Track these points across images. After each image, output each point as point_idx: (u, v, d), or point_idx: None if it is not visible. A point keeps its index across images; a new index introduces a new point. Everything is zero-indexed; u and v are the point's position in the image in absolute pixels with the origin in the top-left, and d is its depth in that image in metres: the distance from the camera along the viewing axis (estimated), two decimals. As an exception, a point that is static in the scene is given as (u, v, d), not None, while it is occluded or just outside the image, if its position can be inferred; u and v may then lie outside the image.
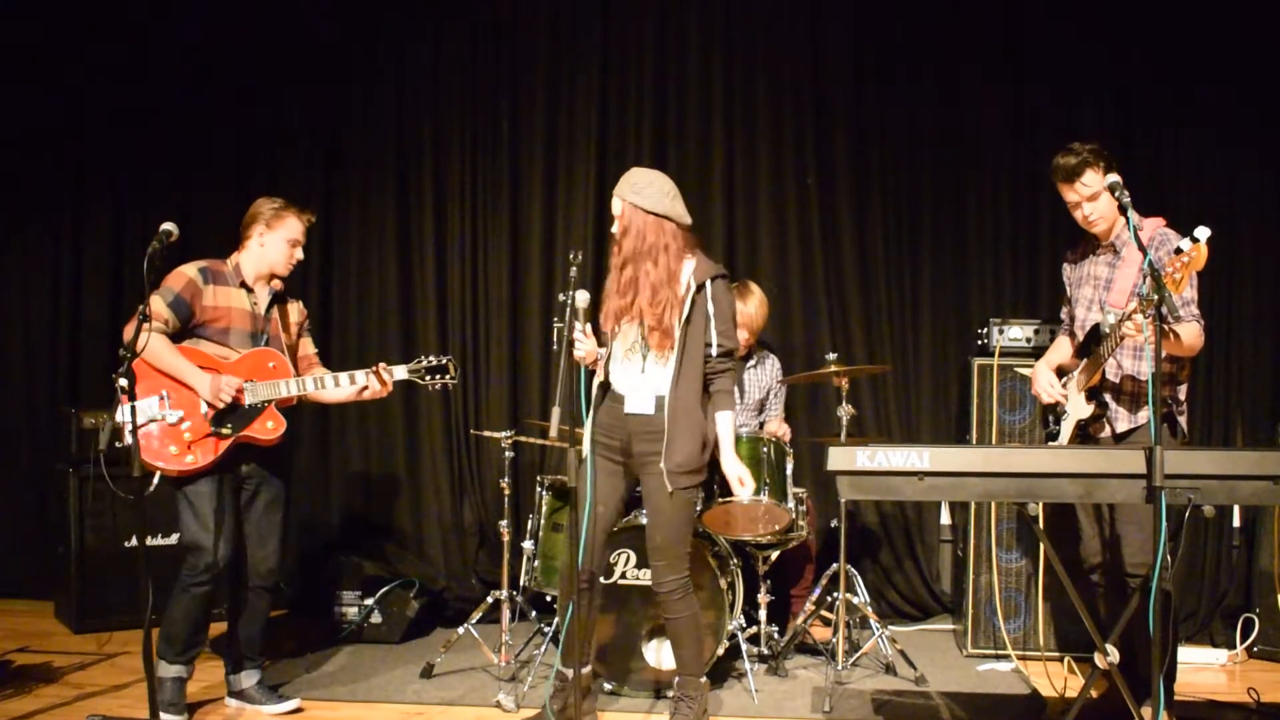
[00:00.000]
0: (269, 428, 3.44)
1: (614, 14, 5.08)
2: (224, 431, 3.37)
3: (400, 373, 3.58)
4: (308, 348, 3.75)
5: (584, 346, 3.18)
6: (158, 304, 3.36)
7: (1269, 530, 4.33)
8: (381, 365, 3.56)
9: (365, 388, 3.53)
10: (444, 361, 3.62)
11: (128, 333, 3.31)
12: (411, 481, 5.17)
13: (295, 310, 3.70)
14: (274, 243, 3.51)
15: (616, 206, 3.24)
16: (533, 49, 5.12)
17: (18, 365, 5.40)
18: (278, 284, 3.59)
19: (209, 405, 3.34)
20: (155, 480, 3.40)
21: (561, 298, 3.11)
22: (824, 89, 5.00)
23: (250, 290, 3.51)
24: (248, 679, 3.57)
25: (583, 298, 3.11)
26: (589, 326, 3.19)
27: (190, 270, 3.43)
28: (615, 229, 3.25)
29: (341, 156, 5.24)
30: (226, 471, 3.41)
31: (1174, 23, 4.72)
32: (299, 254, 3.58)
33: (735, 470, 3.25)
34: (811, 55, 5.00)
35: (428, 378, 3.61)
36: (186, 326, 3.41)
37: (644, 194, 3.19)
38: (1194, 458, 2.63)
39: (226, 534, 3.39)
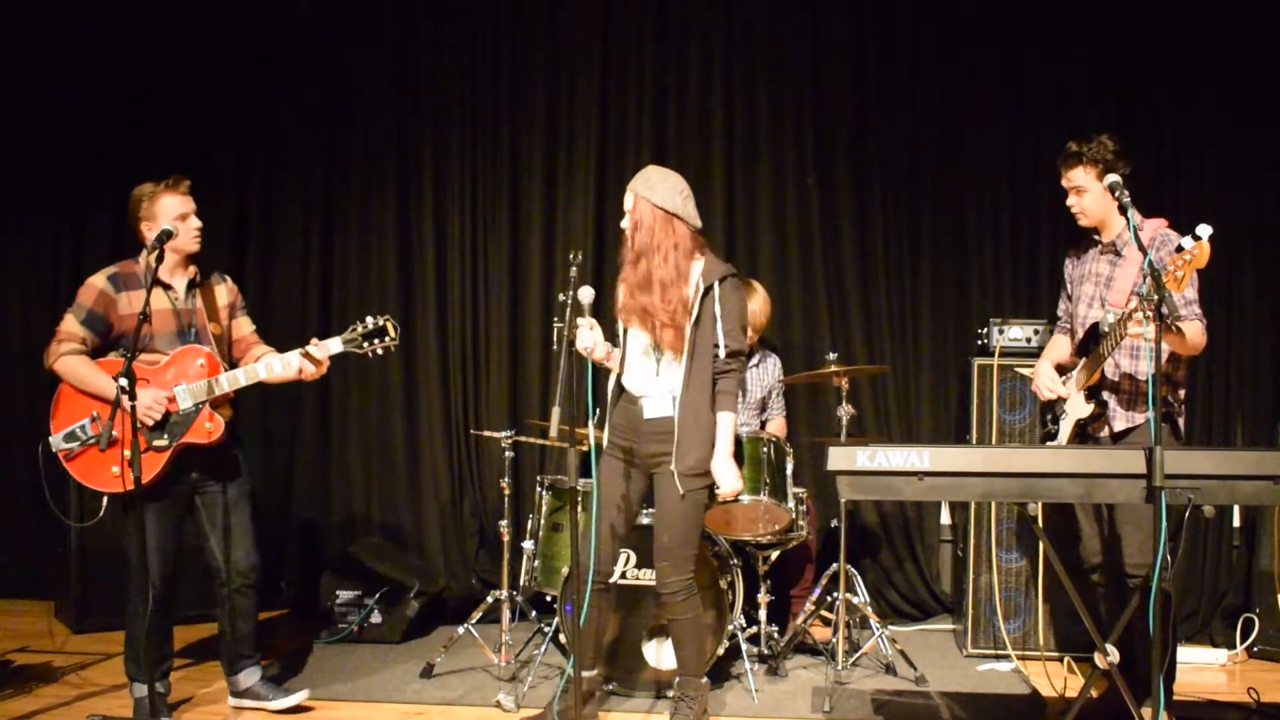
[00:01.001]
0: (207, 429, 3.31)
1: (614, 14, 5.07)
2: (160, 444, 3.26)
3: (335, 345, 3.37)
4: (243, 328, 3.57)
5: (587, 338, 3.16)
6: (70, 324, 3.27)
7: (1269, 530, 4.33)
8: (313, 341, 3.37)
9: (301, 369, 3.37)
10: (381, 323, 3.37)
11: (48, 359, 3.27)
12: (412, 482, 5.16)
13: (223, 291, 3.52)
14: (172, 227, 3.30)
15: (628, 200, 3.24)
16: (533, 49, 5.11)
17: (18, 365, 5.40)
18: (193, 270, 3.42)
19: (140, 424, 3.18)
20: (104, 505, 3.34)
21: (561, 298, 3.11)
22: (824, 89, 4.99)
23: (168, 286, 3.37)
24: (248, 678, 3.53)
25: (587, 293, 3.10)
26: (593, 320, 3.18)
27: (99, 281, 3.31)
28: (625, 223, 3.25)
29: (341, 156, 5.24)
30: (174, 485, 3.33)
31: (1174, 23, 4.72)
32: (194, 223, 3.36)
33: (722, 468, 3.19)
34: (812, 55, 4.99)
35: (365, 345, 3.37)
36: (107, 339, 3.30)
37: (656, 190, 3.19)
38: (1194, 458, 2.63)
39: (168, 552, 3.33)
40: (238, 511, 3.46)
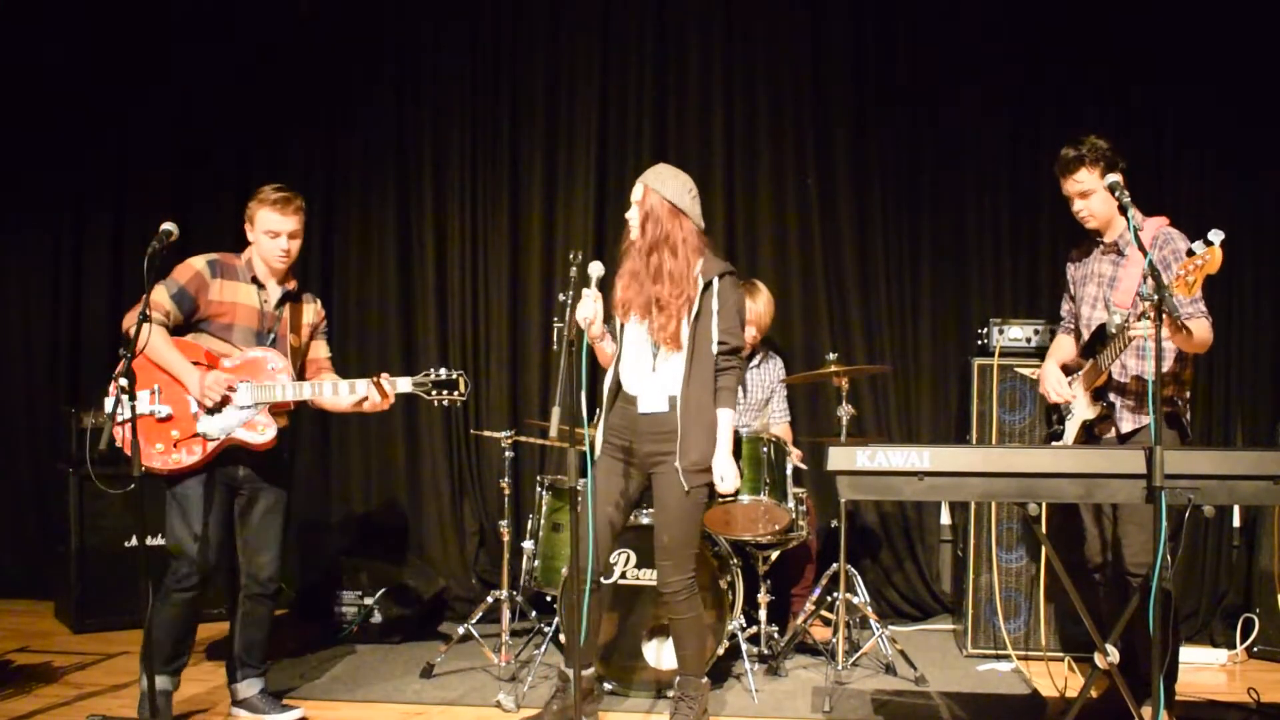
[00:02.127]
0: (259, 431, 3.32)
1: (614, 14, 5.08)
2: (210, 435, 3.25)
3: (404, 385, 3.37)
4: (319, 351, 3.60)
5: (588, 308, 3.08)
6: (160, 294, 3.26)
7: (1269, 530, 4.33)
8: (384, 376, 3.35)
9: (365, 398, 3.36)
10: (454, 376, 3.37)
11: (126, 321, 3.22)
12: (411, 481, 5.17)
13: (310, 311, 3.55)
14: (258, 239, 3.37)
15: (638, 192, 3.23)
16: (532, 49, 5.11)
17: (18, 365, 5.40)
18: (293, 283, 3.47)
19: (198, 404, 3.24)
20: (136, 477, 3.31)
21: (561, 298, 3.10)
22: (824, 88, 4.99)
23: (262, 286, 3.39)
24: (249, 688, 3.47)
25: (596, 268, 3.10)
26: (598, 293, 3.13)
27: (199, 263, 3.33)
28: (633, 215, 3.23)
29: (341, 156, 5.24)
30: (218, 475, 3.31)
31: (1174, 24, 4.72)
32: (284, 244, 3.36)
33: (721, 467, 3.19)
34: (812, 55, 5.00)
35: (434, 392, 3.37)
36: (190, 320, 3.31)
37: (668, 184, 3.21)
38: (1194, 458, 2.63)
39: (213, 539, 3.28)
40: (271, 519, 3.44)
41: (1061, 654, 4.14)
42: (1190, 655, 4.21)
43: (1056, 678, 3.77)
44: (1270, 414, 4.67)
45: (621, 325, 3.31)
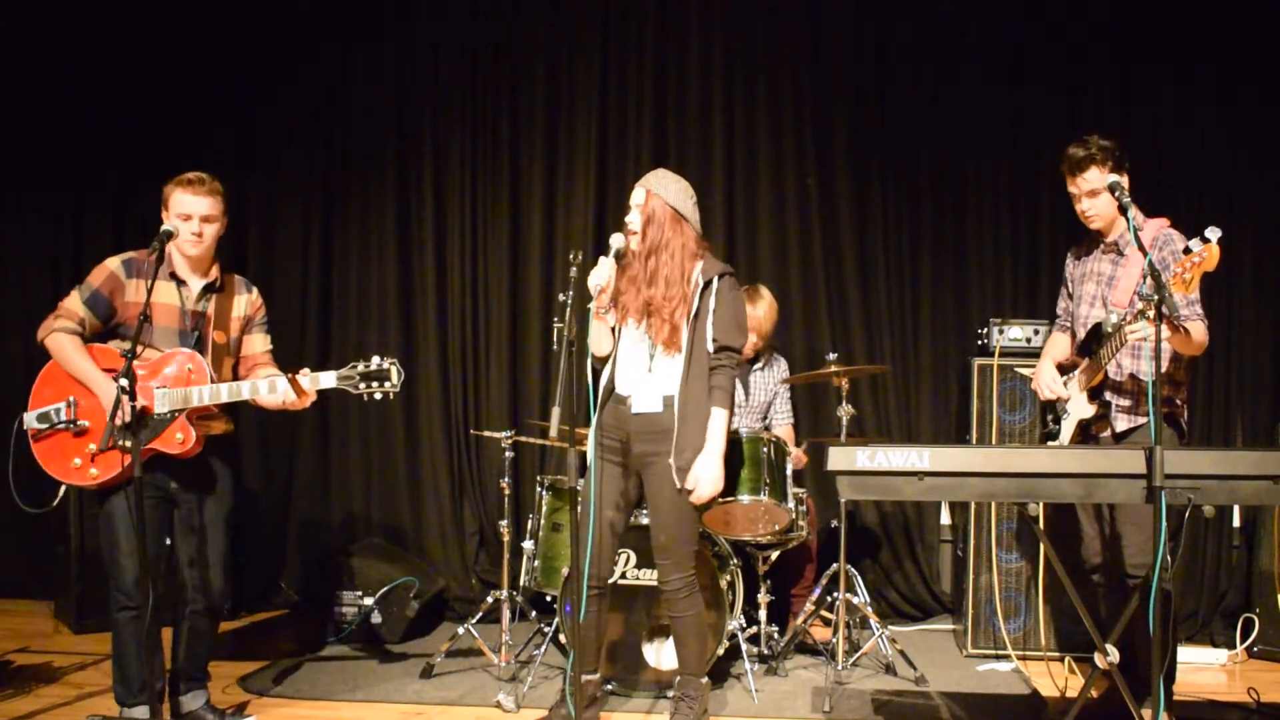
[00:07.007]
0: (178, 440, 3.11)
1: (614, 14, 5.08)
2: (127, 444, 2.96)
3: (328, 380, 3.14)
4: (254, 345, 3.38)
5: (603, 274, 3.08)
6: (73, 301, 3.15)
7: (1269, 530, 4.33)
8: (303, 371, 3.13)
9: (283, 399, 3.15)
10: (384, 366, 3.13)
11: (40, 331, 3.18)
12: (411, 481, 5.17)
13: (242, 303, 3.35)
14: (172, 223, 3.17)
15: (639, 196, 3.24)
16: (532, 48, 5.11)
17: (18, 365, 5.39)
18: (215, 273, 3.27)
19: (111, 418, 2.94)
20: (60, 494, 3.24)
21: (561, 297, 3.11)
22: (824, 88, 5.00)
23: (183, 283, 3.21)
24: (194, 700, 3.31)
25: (618, 239, 3.16)
26: (614, 262, 3.14)
27: (113, 263, 3.18)
28: (633, 220, 3.23)
29: (341, 156, 5.24)
30: (148, 487, 3.05)
31: (1176, 22, 4.72)
32: (195, 227, 3.17)
33: (700, 469, 3.14)
34: (811, 55, 5.00)
35: (362, 385, 3.13)
36: (109, 325, 3.16)
37: (670, 190, 3.22)
38: (1194, 458, 2.63)
39: (141, 559, 3.00)
40: (213, 532, 3.26)
41: (1061, 654, 4.14)
42: (1190, 655, 4.22)
43: (1056, 678, 3.78)
44: (1270, 414, 4.67)
45: (620, 328, 3.31)
